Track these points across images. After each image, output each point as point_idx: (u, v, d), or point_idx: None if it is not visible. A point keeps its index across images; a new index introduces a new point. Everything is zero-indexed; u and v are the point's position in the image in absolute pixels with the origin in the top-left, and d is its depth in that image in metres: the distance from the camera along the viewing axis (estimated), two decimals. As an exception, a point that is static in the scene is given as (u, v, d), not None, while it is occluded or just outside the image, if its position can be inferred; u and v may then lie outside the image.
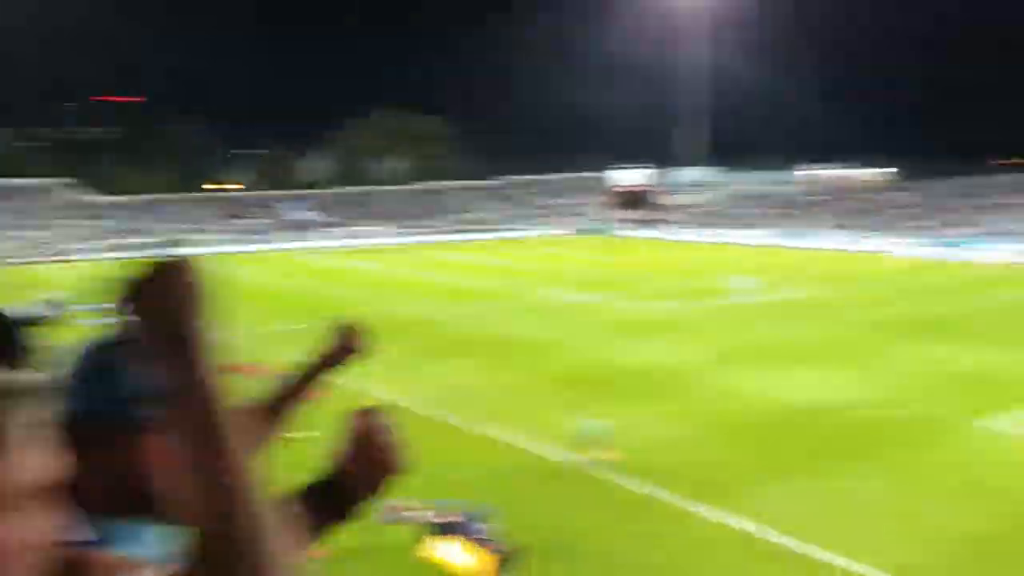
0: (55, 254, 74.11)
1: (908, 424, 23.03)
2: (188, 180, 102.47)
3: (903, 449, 21.09)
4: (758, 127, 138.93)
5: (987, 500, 17.88)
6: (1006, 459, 20.47)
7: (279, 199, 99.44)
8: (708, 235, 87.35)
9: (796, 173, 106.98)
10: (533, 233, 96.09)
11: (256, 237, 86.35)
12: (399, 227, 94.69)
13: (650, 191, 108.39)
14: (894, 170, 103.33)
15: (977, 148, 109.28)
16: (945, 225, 76.64)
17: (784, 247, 76.46)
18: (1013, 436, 22.13)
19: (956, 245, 68.80)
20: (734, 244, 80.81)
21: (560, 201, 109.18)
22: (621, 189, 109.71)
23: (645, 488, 18.59)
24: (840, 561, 15.11)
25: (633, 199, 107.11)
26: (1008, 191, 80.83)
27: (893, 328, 35.66)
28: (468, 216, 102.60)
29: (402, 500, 17.35)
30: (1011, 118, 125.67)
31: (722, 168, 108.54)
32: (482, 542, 15.68)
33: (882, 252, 69.83)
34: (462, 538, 15.85)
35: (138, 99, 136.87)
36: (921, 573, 14.77)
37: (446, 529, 16.15)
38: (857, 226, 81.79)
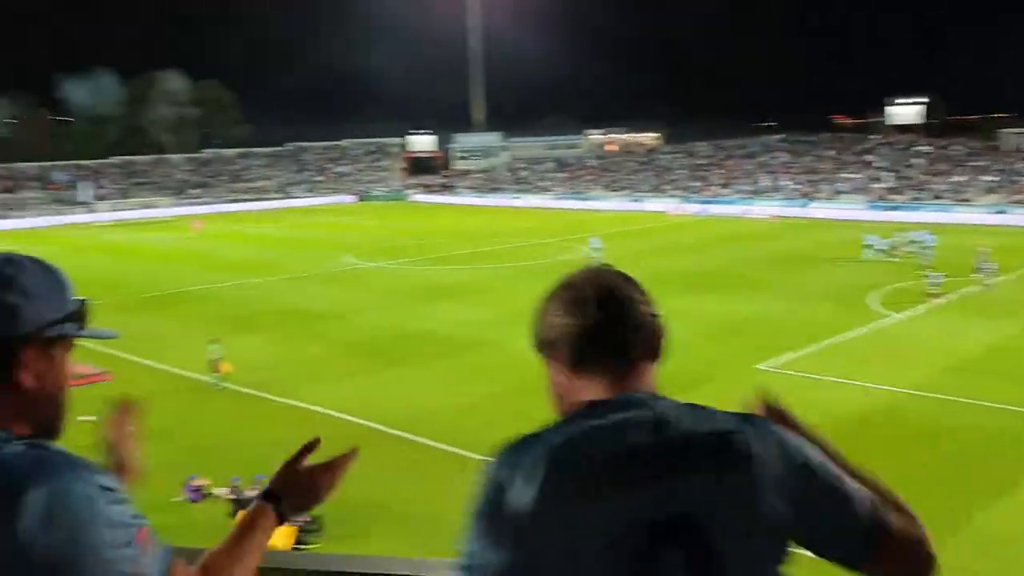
0: None
1: (691, 372, 24.20)
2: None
3: (694, 394, 22.07)
4: (543, 93, 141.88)
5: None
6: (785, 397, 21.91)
7: (52, 169, 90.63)
8: (498, 199, 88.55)
9: (580, 137, 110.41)
10: (322, 200, 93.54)
11: (15, 213, 78.26)
12: (181, 197, 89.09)
13: (439, 157, 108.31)
14: (662, 133, 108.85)
15: (742, 111, 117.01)
16: (714, 185, 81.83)
17: (567, 210, 78.73)
18: (781, 375, 23.87)
19: (725, 203, 73.67)
20: (524, 208, 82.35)
21: (350, 168, 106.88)
22: (412, 155, 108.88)
23: (441, 447, 18.48)
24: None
25: (423, 165, 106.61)
26: (770, 151, 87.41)
27: (677, 282, 37.48)
28: (255, 184, 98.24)
29: (203, 478, 16.47)
30: (775, 81, 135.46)
31: (508, 133, 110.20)
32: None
33: (658, 211, 73.40)
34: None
35: None
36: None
37: (244, 504, 15.45)
38: (634, 187, 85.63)
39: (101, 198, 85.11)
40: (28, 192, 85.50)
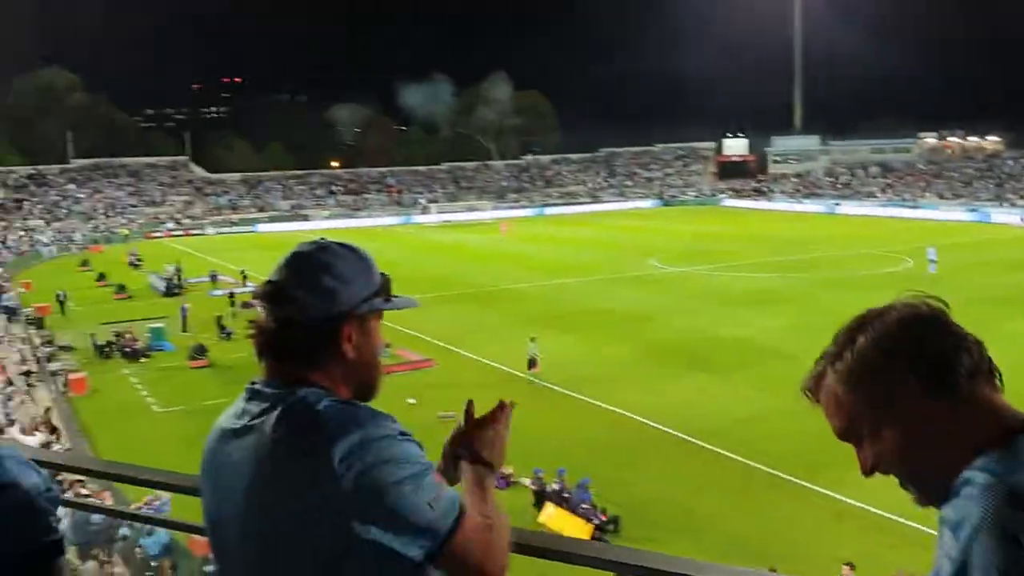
0: (175, 228, 77.23)
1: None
2: (301, 155, 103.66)
3: None
4: (867, 93, 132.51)
5: None
6: None
7: (390, 174, 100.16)
8: (815, 205, 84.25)
9: (914, 140, 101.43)
10: (630, 205, 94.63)
11: (361, 213, 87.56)
12: (501, 202, 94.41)
13: (754, 160, 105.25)
14: (1004, 136, 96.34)
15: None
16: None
17: (893, 217, 72.88)
18: None
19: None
20: (844, 215, 77.60)
21: (660, 172, 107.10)
22: (724, 159, 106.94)
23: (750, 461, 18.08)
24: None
25: (736, 169, 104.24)
26: None
27: (1007, 302, 33.36)
28: (568, 189, 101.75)
29: (509, 466, 17.50)
30: None
31: (828, 136, 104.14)
32: (584, 511, 15.66)
33: (1002, 223, 65.60)
34: (567, 507, 15.94)
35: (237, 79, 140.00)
36: None
37: (553, 496, 16.26)
38: (972, 195, 77.46)
39: (433, 201, 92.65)
40: (371, 195, 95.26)
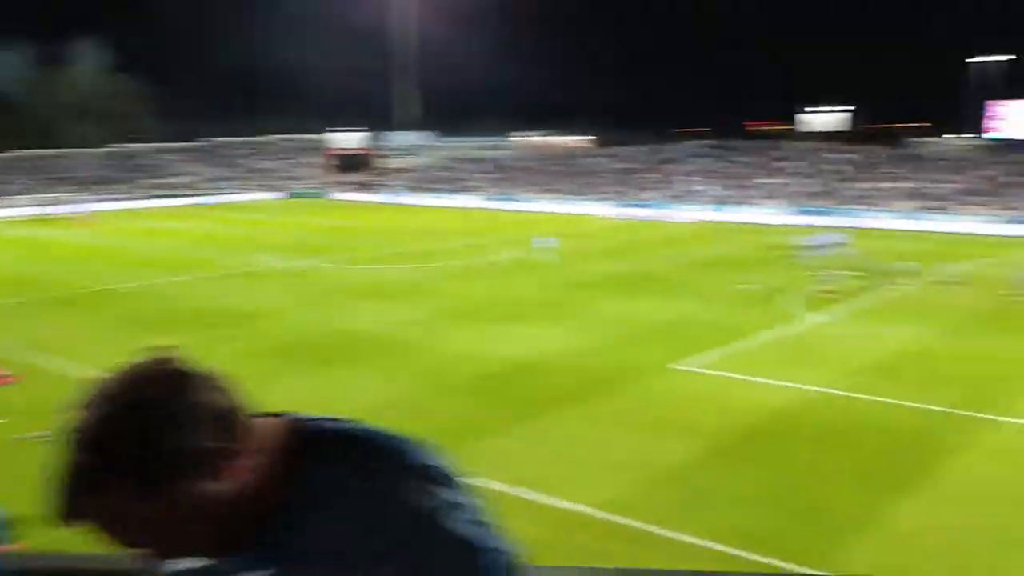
0: None
1: (611, 371, 24.56)
2: None
3: (607, 394, 22.47)
4: (480, 93, 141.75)
5: (681, 434, 19.48)
6: (696, 395, 22.47)
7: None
8: (425, 199, 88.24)
9: (509, 139, 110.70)
10: (244, 198, 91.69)
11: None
12: (95, 193, 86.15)
13: (367, 154, 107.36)
14: (593, 137, 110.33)
15: (666, 117, 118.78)
16: (642, 189, 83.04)
17: (499, 210, 78.99)
18: (700, 375, 24.39)
19: (652, 207, 74.83)
20: (451, 208, 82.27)
21: (272, 164, 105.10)
22: (337, 152, 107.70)
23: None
24: (550, 500, 15.76)
25: (350, 162, 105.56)
26: (694, 157, 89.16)
27: (599, 285, 37.97)
28: (172, 180, 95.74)
29: None
30: (696, 89, 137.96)
31: (437, 132, 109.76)
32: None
33: (587, 214, 74.27)
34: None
35: None
36: (625, 505, 15.74)
37: None
38: (563, 190, 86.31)
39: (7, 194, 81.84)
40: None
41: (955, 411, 21.14)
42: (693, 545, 14.29)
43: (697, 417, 20.62)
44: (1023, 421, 20.52)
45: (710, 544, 14.26)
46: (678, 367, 25.13)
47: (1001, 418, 20.76)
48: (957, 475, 17.46)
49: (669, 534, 14.73)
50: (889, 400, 22.04)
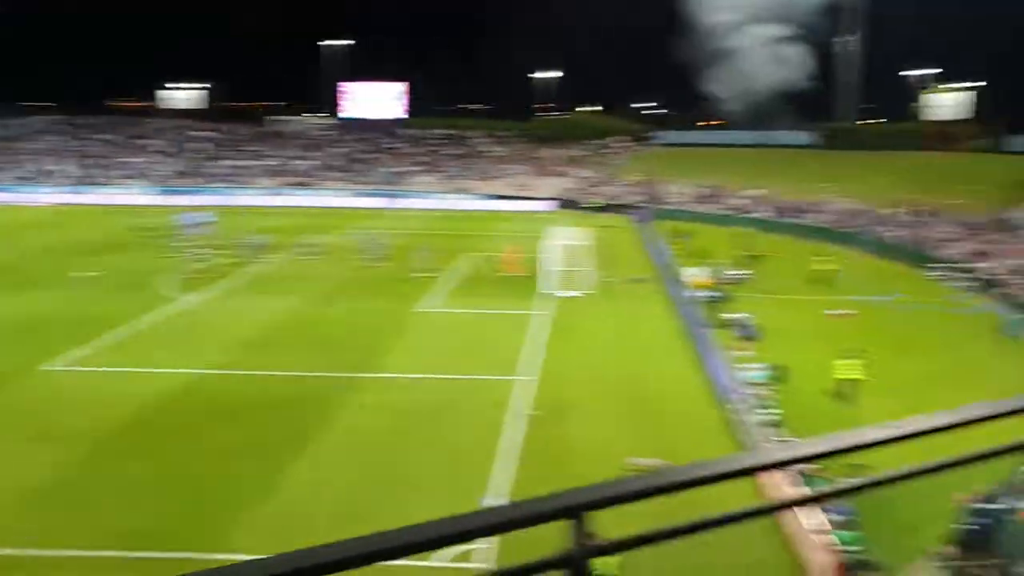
0: None
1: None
2: None
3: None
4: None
5: (59, 440, 17.71)
6: (73, 395, 20.61)
7: None
8: None
9: None
10: None
11: None
12: None
13: None
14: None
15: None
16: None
17: None
18: (76, 373, 22.44)
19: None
20: None
21: None
22: None
23: None
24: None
25: None
26: (43, 134, 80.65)
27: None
28: None
29: None
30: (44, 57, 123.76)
31: None
32: None
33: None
34: None
35: None
36: (-1, 535, 13.81)
37: None
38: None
39: None
40: None
41: (334, 373, 22.91)
42: (78, 559, 13.15)
43: (76, 419, 18.94)
44: (394, 375, 23.14)
45: (96, 553, 13.27)
46: (52, 368, 22.77)
47: (375, 374, 23.14)
48: (343, 430, 19.00)
49: (51, 553, 13.32)
50: (273, 372, 22.94)
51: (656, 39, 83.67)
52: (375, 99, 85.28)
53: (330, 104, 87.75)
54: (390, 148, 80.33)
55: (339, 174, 74.19)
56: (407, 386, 22.22)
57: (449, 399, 21.10)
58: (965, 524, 13.02)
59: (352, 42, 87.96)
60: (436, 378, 22.82)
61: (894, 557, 13.80)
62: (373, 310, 30.34)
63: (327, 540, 1.31)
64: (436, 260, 38.71)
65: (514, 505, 1.48)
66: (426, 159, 77.53)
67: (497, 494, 15.75)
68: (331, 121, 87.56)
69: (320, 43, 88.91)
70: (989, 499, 13.22)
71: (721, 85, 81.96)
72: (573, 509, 1.44)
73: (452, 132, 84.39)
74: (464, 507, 1.67)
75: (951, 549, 13.32)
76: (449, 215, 60.81)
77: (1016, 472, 14.36)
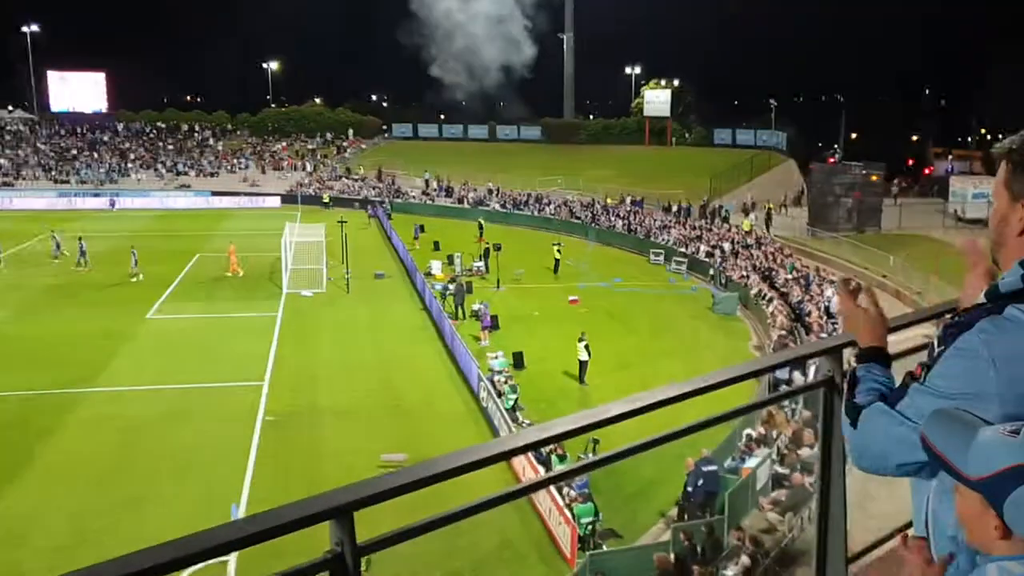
0: None
1: None
2: None
3: None
4: None
5: None
6: None
7: None
8: None
9: None
10: None
11: None
12: None
13: None
14: None
15: None
16: None
17: None
18: None
19: None
20: None
21: None
22: None
23: None
24: None
25: None
26: None
27: None
28: None
29: None
30: None
31: None
32: None
33: None
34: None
35: None
36: None
37: None
38: None
39: None
40: None
41: (51, 391, 20.95)
42: None
43: None
44: (122, 388, 21.52)
45: None
46: None
47: (100, 389, 21.41)
48: (63, 453, 17.42)
49: None
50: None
51: (386, 29, 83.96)
52: (80, 91, 78.52)
53: (30, 96, 79.47)
54: (103, 143, 74.15)
55: (43, 172, 67.33)
56: (137, 399, 20.78)
57: (184, 409, 20.01)
58: (692, 486, 14.36)
59: (49, 29, 79.89)
60: (171, 388, 21.53)
61: (628, 524, 14.95)
62: (95, 319, 27.95)
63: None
64: (164, 262, 36.40)
65: (275, 511, 1.48)
66: (145, 155, 72.39)
67: (245, 502, 15.20)
68: (29, 116, 78.88)
69: (16, 30, 79.77)
70: (713, 461, 14.67)
71: (449, 72, 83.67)
72: (338, 509, 1.47)
73: (172, 125, 79.47)
74: (211, 519, 1.66)
75: (680, 510, 14.65)
76: (173, 214, 57.29)
77: (737, 434, 16.05)
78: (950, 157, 66.54)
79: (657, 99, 70.47)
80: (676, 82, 72.69)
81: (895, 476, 1.53)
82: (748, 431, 16.07)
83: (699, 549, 12.22)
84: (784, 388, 14.20)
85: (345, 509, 1.49)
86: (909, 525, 1.81)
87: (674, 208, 48.41)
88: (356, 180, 66.21)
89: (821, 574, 2.76)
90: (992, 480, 1.31)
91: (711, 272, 35.50)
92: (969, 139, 72.46)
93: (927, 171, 64.09)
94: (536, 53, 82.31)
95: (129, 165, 69.64)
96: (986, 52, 70.22)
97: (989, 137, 69.67)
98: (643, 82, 74.34)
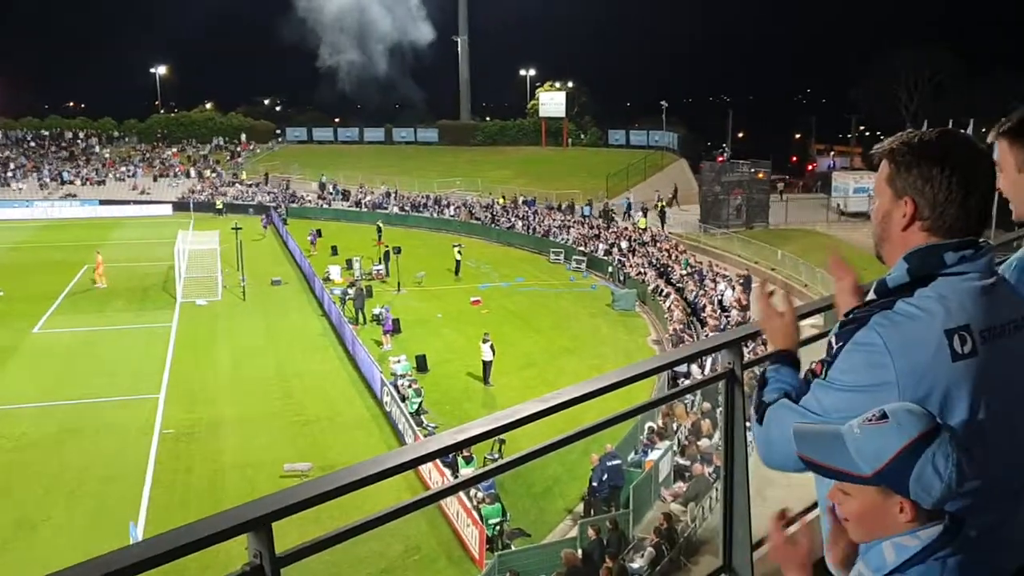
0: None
1: None
2: None
3: None
4: None
5: None
6: None
7: None
8: None
9: None
10: None
11: None
12: None
13: None
14: None
15: None
16: None
17: None
18: None
19: None
20: None
21: None
22: None
23: None
24: None
25: None
26: None
27: None
28: None
29: None
30: None
31: None
32: None
33: None
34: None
35: None
36: None
37: None
38: None
39: None
40: None
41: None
42: None
43: None
44: (8, 407, 20.42)
45: None
46: None
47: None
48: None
49: None
50: None
51: (275, 33, 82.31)
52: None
53: None
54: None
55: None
56: (25, 417, 19.81)
57: (76, 426, 19.18)
58: (597, 481, 14.59)
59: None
60: (61, 405, 20.61)
61: (535, 522, 15.07)
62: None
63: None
64: (51, 274, 34.76)
65: (189, 526, 1.45)
66: (27, 163, 68.79)
67: (144, 520, 14.65)
68: None
69: None
70: (616, 456, 14.93)
71: (342, 73, 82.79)
72: (257, 521, 1.45)
73: (56, 133, 75.79)
74: (108, 540, 1.61)
75: (586, 505, 14.85)
76: (59, 224, 54.65)
77: (639, 427, 16.37)
78: (831, 153, 69.25)
79: (552, 101, 71.08)
80: (570, 84, 73.55)
81: (803, 471, 1.60)
82: (649, 424, 16.44)
83: (605, 543, 12.42)
84: (684, 381, 14.58)
85: (263, 521, 1.47)
86: (813, 507, 1.90)
87: (578, 209, 48.91)
88: (250, 186, 64.56)
89: (727, 561, 2.86)
90: (889, 467, 1.38)
91: (609, 270, 36.09)
92: (849, 135, 75.59)
93: (811, 167, 66.61)
94: (432, 43, 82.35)
95: (9, 174, 66.11)
96: (861, 52, 73.89)
97: (868, 134, 72.85)
98: (538, 84, 74.91)
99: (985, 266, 1.70)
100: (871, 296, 1.74)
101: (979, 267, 1.69)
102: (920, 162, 1.71)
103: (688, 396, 16.96)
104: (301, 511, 1.51)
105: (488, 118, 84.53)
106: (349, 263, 36.62)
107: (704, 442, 15.25)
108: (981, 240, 1.73)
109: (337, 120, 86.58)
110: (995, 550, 1.59)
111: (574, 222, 45.16)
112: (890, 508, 1.42)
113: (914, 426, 1.38)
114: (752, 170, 42.28)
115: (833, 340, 1.71)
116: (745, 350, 2.84)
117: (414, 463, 1.86)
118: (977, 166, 1.71)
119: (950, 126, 1.91)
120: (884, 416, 1.41)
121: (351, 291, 30.08)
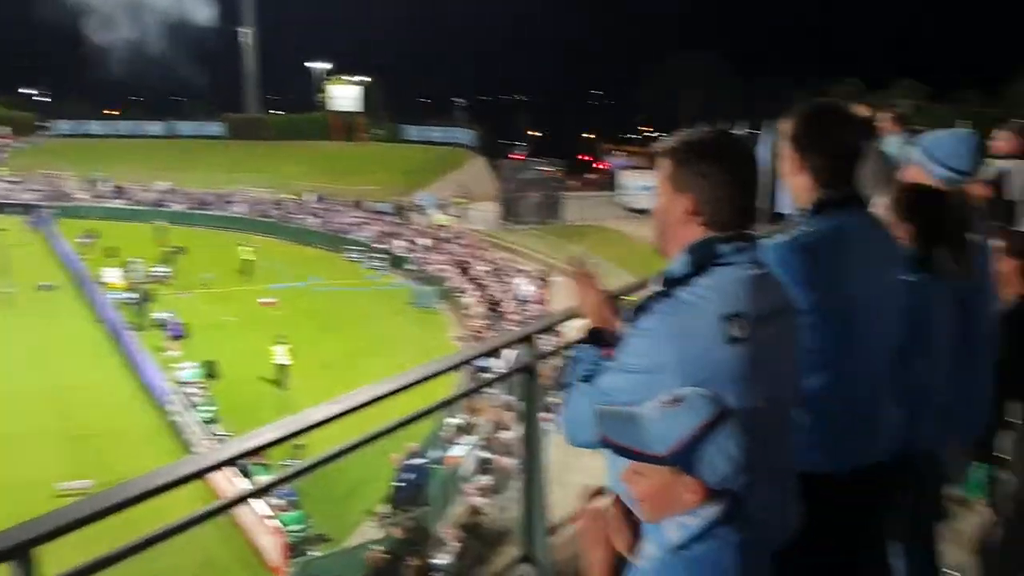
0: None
1: None
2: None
3: None
4: None
5: None
6: None
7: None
8: None
9: None
10: None
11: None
12: None
13: None
14: None
15: None
16: None
17: None
18: None
19: None
20: None
21: None
22: None
23: None
24: None
25: None
26: None
27: None
28: None
29: None
30: None
31: None
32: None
33: None
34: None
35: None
36: None
37: None
38: None
39: None
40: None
41: None
42: None
43: None
44: None
45: None
46: None
47: None
48: None
49: None
50: None
51: (32, 10, 75.61)
52: None
53: None
54: None
55: None
56: None
57: None
58: (399, 480, 14.51)
59: None
60: None
61: (338, 526, 14.80)
62: None
63: None
64: None
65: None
66: None
67: None
68: None
69: None
70: (419, 454, 14.92)
71: (115, 60, 77.07)
72: (16, 548, 1.30)
73: None
74: None
75: (388, 506, 14.74)
76: None
77: (441, 425, 16.43)
78: (619, 153, 72.65)
79: (344, 94, 69.74)
80: (364, 78, 72.57)
81: (601, 449, 1.66)
82: (451, 419, 16.56)
83: (410, 541, 12.40)
84: (484, 376, 14.79)
85: (23, 547, 1.32)
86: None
87: (375, 205, 48.34)
88: (12, 183, 59.04)
89: (527, 548, 2.92)
90: (680, 449, 1.46)
91: (408, 267, 36.03)
92: (632, 135, 79.65)
93: (603, 166, 69.52)
94: (216, 28, 78.25)
95: None
96: (646, 55, 78.12)
97: (650, 134, 77.15)
98: (327, 77, 73.25)
99: (755, 257, 1.84)
100: (657, 287, 1.83)
101: (750, 258, 1.82)
102: (698, 160, 1.82)
103: (491, 390, 17.23)
104: (69, 533, 1.38)
105: (277, 111, 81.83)
106: (129, 266, 34.32)
107: (507, 435, 15.56)
108: (750, 233, 1.86)
109: (116, 112, 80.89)
110: (767, 527, 1.73)
111: (371, 219, 44.69)
112: (679, 488, 1.50)
113: (706, 409, 1.48)
114: (548, 168, 43.65)
115: (623, 327, 1.80)
116: (540, 342, 2.91)
117: (202, 472, 1.76)
118: (747, 164, 1.85)
119: (725, 126, 2.04)
120: (679, 399, 1.50)
121: (133, 295, 28.24)
